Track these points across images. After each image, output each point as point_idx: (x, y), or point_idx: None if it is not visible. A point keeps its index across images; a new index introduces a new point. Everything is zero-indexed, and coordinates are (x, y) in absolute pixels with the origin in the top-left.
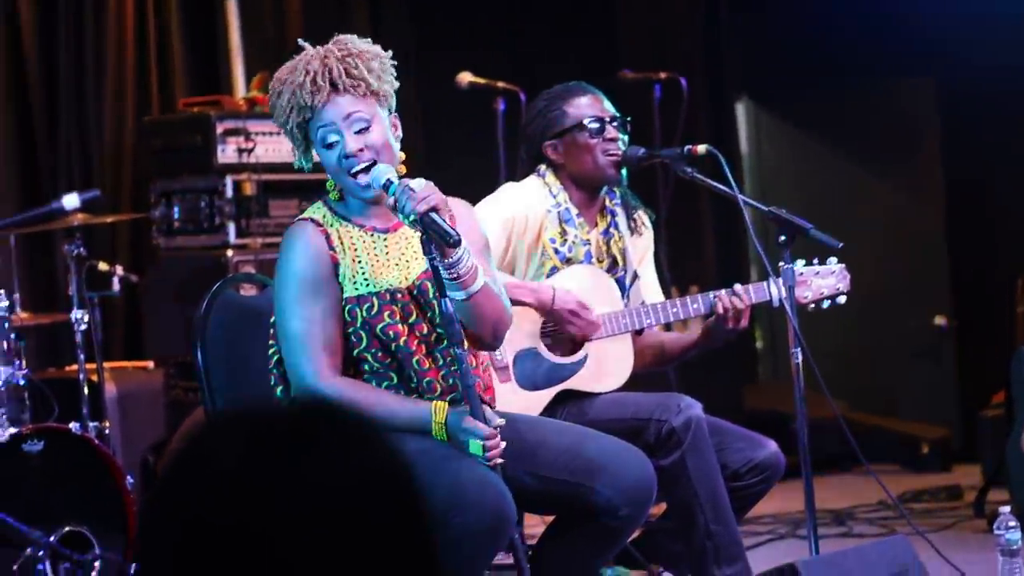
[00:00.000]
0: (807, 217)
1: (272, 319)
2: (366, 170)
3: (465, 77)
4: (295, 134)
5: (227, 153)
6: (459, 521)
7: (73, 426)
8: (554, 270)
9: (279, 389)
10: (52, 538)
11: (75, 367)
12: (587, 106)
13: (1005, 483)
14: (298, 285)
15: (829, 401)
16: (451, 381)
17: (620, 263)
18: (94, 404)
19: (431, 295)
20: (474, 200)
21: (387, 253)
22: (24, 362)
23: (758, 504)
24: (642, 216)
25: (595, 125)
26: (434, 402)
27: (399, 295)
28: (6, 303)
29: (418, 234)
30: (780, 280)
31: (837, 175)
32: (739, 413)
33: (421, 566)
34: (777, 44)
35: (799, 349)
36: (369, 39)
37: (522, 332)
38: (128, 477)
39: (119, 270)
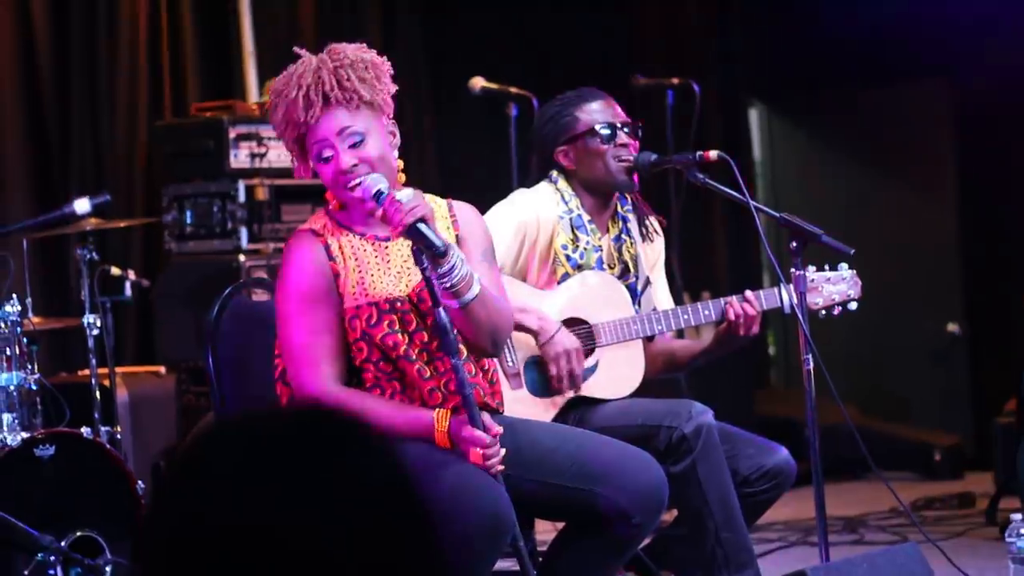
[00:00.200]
0: (820, 222)
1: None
2: (361, 183)
3: (478, 82)
4: (293, 147)
5: (239, 158)
6: (456, 526)
7: (85, 431)
8: (566, 276)
9: (284, 401)
10: (63, 543)
11: (87, 372)
12: (598, 112)
13: (1017, 491)
14: (299, 297)
15: (840, 408)
16: (453, 389)
17: (632, 270)
18: (106, 409)
19: (431, 304)
20: (486, 206)
21: (388, 262)
22: (36, 366)
23: (769, 511)
24: (654, 223)
25: (606, 131)
26: (436, 410)
27: (399, 304)
28: (18, 307)
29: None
30: (791, 286)
31: (850, 180)
32: (751, 419)
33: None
34: (790, 49)
35: (810, 355)
36: (364, 45)
37: (534, 340)
38: (139, 482)
39: (131, 275)
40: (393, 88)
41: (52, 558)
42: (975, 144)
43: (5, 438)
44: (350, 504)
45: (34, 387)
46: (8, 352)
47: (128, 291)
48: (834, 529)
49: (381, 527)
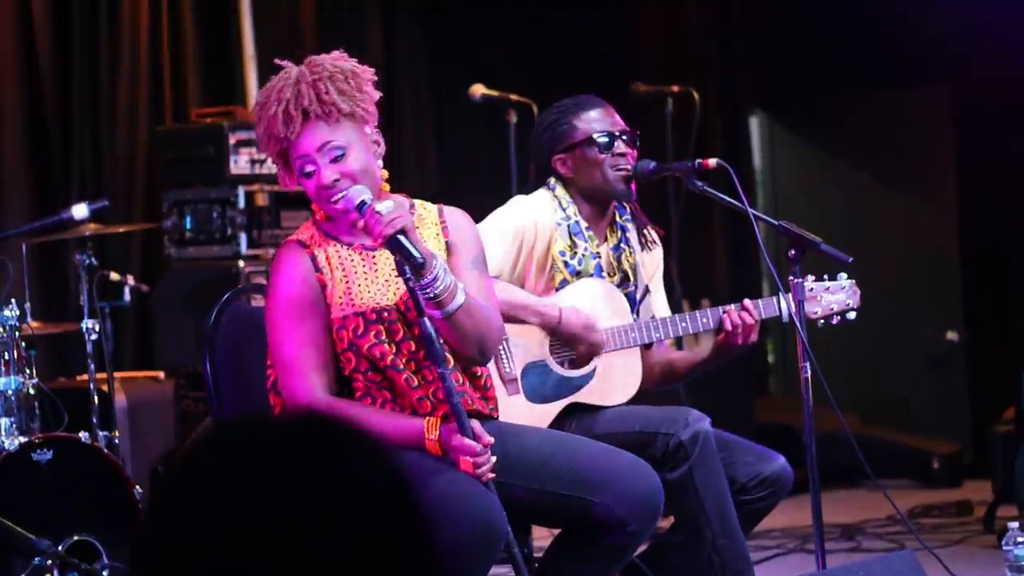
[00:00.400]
0: (820, 230)
1: None
2: (344, 196)
3: (478, 89)
4: (277, 160)
5: (239, 164)
6: (448, 534)
7: (82, 435)
8: (564, 283)
9: (277, 410)
10: (60, 547)
11: (85, 376)
12: (597, 120)
13: (1015, 499)
14: (287, 308)
15: (838, 416)
16: (442, 398)
17: (631, 278)
18: (104, 414)
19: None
20: (485, 212)
21: (376, 271)
22: (34, 371)
23: (767, 518)
24: (652, 233)
25: (604, 139)
26: (427, 419)
27: (386, 314)
28: (17, 312)
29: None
30: (790, 295)
31: (850, 188)
32: (750, 427)
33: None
34: (790, 57)
35: (808, 364)
36: (344, 53)
37: (532, 345)
38: (137, 487)
39: (130, 280)
40: (376, 95)
41: (49, 562)
42: (975, 151)
43: (3, 442)
44: (346, 507)
45: (32, 391)
46: (7, 356)
47: (127, 296)
48: (831, 537)
49: (378, 530)
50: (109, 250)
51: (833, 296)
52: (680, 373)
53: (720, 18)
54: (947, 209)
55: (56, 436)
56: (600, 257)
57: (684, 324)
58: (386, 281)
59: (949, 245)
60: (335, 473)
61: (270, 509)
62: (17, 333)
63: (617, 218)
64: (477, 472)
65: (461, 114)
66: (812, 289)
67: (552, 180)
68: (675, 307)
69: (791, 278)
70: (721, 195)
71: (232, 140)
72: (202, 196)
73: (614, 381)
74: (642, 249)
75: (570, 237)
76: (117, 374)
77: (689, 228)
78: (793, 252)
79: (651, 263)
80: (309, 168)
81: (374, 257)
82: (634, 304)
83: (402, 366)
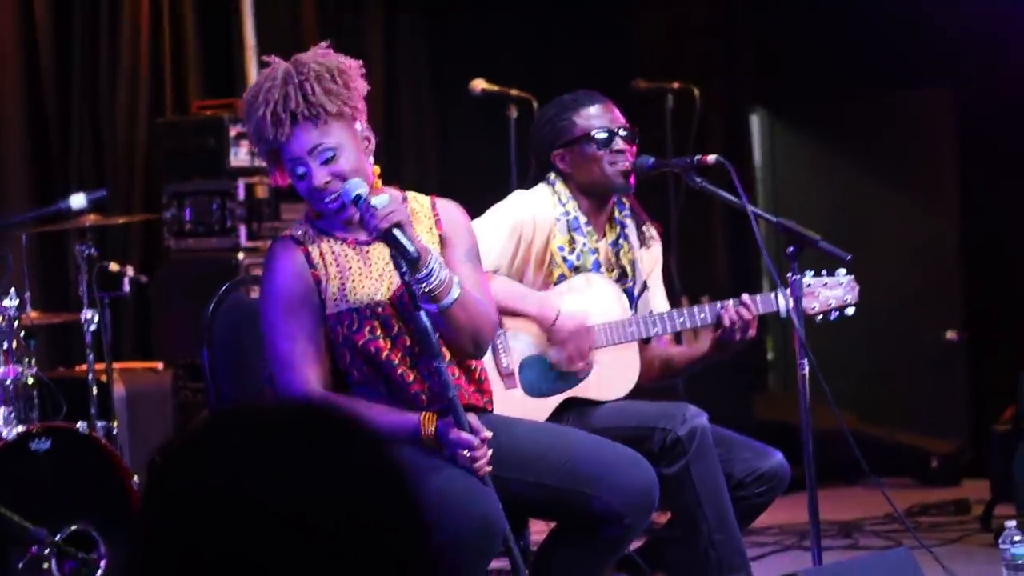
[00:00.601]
0: (820, 228)
1: None
2: (339, 195)
3: (478, 84)
4: (267, 159)
5: (239, 156)
6: (446, 531)
7: (80, 425)
8: (562, 278)
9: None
10: (58, 536)
11: (84, 367)
12: (595, 116)
13: (1013, 498)
14: (281, 304)
15: (835, 412)
16: (438, 391)
17: (629, 274)
18: (102, 404)
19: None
20: (485, 207)
21: (369, 265)
22: (33, 361)
23: (765, 515)
24: (651, 230)
25: (603, 136)
26: (423, 413)
27: (380, 309)
28: (16, 302)
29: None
30: (788, 291)
31: (851, 187)
32: (749, 423)
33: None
34: (792, 55)
35: (806, 360)
36: (329, 49)
37: (530, 339)
38: (135, 477)
39: (130, 271)
40: (364, 89)
41: (46, 551)
42: (977, 151)
43: (1, 431)
44: (343, 492)
45: (31, 381)
46: (6, 346)
47: (126, 287)
48: (829, 534)
49: (374, 518)
50: (109, 241)
51: (831, 292)
52: (678, 368)
53: (724, 17)
54: (947, 209)
55: (54, 426)
56: (599, 253)
57: (682, 319)
58: (380, 276)
59: (949, 244)
60: (333, 458)
61: (269, 487)
62: (16, 323)
63: (616, 214)
64: (475, 466)
65: (461, 111)
66: (810, 285)
67: (552, 175)
68: (674, 305)
69: (789, 274)
70: (720, 191)
71: (232, 132)
72: (202, 188)
73: (612, 376)
74: (641, 246)
75: (569, 232)
76: (116, 364)
77: (689, 225)
78: (791, 248)
79: (649, 259)
80: (301, 170)
81: (368, 252)
82: (632, 300)
83: (397, 361)
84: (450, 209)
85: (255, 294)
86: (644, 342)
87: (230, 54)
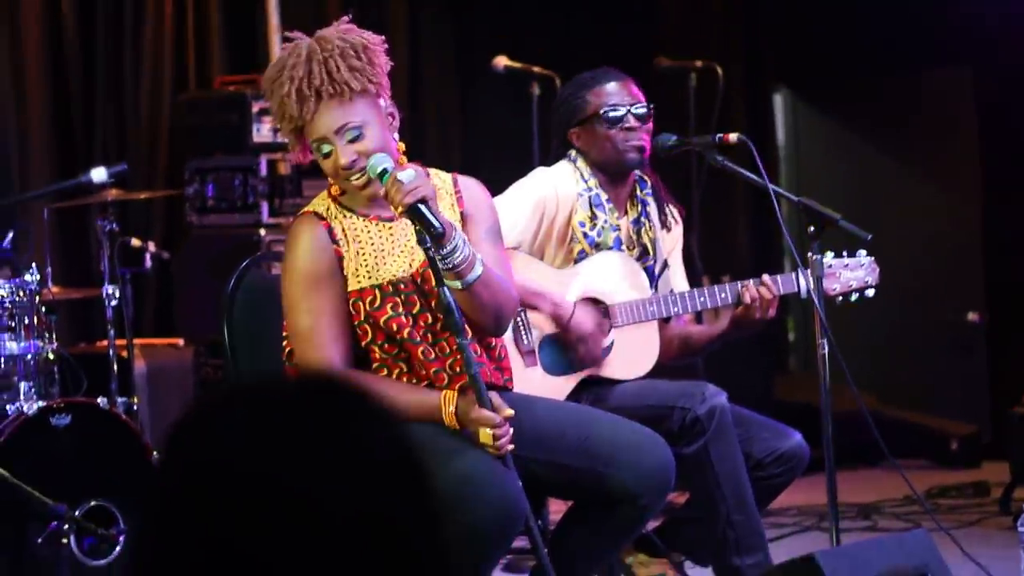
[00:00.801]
0: (842, 208)
1: None
2: (363, 172)
3: (501, 60)
4: (290, 136)
5: (262, 132)
6: (467, 516)
7: (101, 401)
8: (582, 254)
9: None
10: (77, 512)
11: (105, 342)
12: (610, 94)
13: None
14: (303, 280)
15: (854, 393)
16: (458, 370)
17: (650, 252)
18: (123, 380)
19: (434, 284)
20: (508, 184)
21: (392, 242)
22: (54, 336)
23: (784, 496)
24: (674, 211)
25: (614, 114)
26: (444, 392)
27: (402, 285)
28: (37, 277)
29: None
30: (808, 271)
31: (873, 166)
32: (769, 404)
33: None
34: (815, 35)
35: (825, 340)
36: (353, 23)
37: (550, 318)
38: (155, 453)
39: (151, 247)
40: (388, 64)
41: (65, 527)
42: (999, 132)
43: (22, 406)
44: (356, 466)
45: (52, 356)
46: (27, 321)
47: (148, 263)
48: (848, 515)
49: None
50: (131, 216)
51: (852, 273)
52: (698, 346)
53: None
54: (970, 190)
55: (75, 401)
56: (620, 230)
57: (703, 298)
58: (402, 253)
59: (971, 226)
60: (348, 433)
61: (278, 461)
62: (37, 298)
63: (638, 192)
64: (496, 444)
65: (485, 88)
66: (831, 266)
67: (572, 152)
68: (695, 283)
69: (810, 254)
70: (742, 170)
71: (255, 108)
72: (224, 164)
73: (631, 355)
74: (662, 227)
75: (591, 208)
76: (137, 340)
77: (710, 204)
78: (812, 228)
79: (670, 240)
80: (327, 148)
81: (391, 229)
82: (652, 278)
83: (418, 338)
84: (472, 187)
85: (276, 270)
86: (664, 321)
87: (253, 30)
